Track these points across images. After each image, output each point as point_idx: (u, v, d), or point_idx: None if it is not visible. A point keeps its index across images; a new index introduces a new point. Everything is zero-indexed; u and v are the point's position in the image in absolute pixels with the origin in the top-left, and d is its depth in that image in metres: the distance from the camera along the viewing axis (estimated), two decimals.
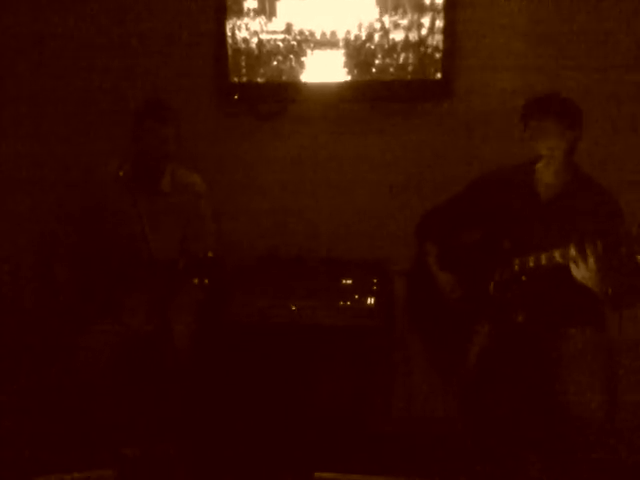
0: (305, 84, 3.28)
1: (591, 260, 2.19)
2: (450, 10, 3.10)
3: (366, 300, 3.00)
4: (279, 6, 3.22)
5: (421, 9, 3.11)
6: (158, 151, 2.76)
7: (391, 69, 3.21)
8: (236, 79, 3.31)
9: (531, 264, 2.40)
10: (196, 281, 2.46)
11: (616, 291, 2.28)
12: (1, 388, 3.06)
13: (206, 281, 2.46)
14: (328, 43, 3.23)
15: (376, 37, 3.18)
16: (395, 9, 3.13)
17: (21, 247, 3.35)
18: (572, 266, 2.26)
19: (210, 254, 2.45)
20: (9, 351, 3.17)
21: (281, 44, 3.26)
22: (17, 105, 3.44)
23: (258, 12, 3.23)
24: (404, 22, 3.14)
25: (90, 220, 2.86)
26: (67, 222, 2.91)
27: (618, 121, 3.06)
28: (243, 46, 3.27)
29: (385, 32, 3.17)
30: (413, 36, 3.15)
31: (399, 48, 3.18)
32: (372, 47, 3.20)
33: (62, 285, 2.79)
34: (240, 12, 3.23)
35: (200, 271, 2.46)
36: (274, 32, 3.25)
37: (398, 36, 3.16)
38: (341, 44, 3.21)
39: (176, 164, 2.88)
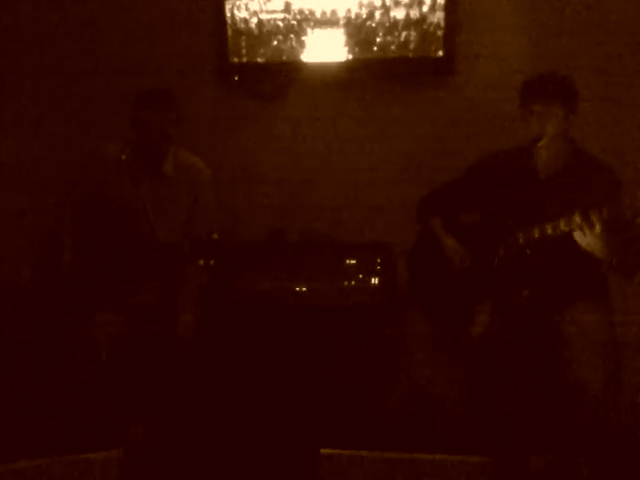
0: (306, 64, 3.25)
1: (597, 226, 2.21)
2: None
3: (370, 280, 3.00)
4: None
5: None
6: (158, 137, 2.74)
7: (392, 47, 3.18)
8: (236, 59, 3.29)
9: (536, 235, 2.40)
10: (202, 262, 2.47)
11: (621, 257, 2.30)
12: (7, 374, 3.08)
13: (212, 262, 2.47)
14: (328, 22, 3.21)
15: (377, 15, 3.16)
16: None
17: (21, 246, 3.38)
18: (577, 234, 2.27)
19: (215, 236, 2.46)
20: (15, 340, 3.19)
21: (281, 24, 3.24)
22: (18, 89, 3.44)
23: None
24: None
25: (93, 205, 2.86)
26: (71, 207, 2.92)
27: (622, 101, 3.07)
28: (243, 26, 3.26)
29: (386, 10, 3.14)
30: (414, 13, 3.13)
31: (400, 26, 3.15)
32: (373, 25, 3.17)
33: (68, 268, 2.80)
34: None
35: (206, 253, 2.47)
36: (274, 11, 3.22)
37: (399, 14, 3.14)
38: (342, 22, 3.19)
39: (178, 147, 2.86)
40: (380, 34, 3.18)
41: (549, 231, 2.36)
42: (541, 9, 3.08)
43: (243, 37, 3.27)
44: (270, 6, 3.22)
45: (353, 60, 3.22)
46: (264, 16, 3.23)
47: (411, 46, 3.17)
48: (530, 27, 3.09)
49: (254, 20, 3.25)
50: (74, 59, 3.38)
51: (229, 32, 3.25)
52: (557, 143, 2.49)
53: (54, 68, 3.40)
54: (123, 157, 2.74)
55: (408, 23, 3.14)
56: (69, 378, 2.75)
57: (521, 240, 2.47)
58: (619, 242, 2.27)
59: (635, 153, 3.04)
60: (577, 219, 2.25)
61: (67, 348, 2.80)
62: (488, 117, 3.13)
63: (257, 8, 3.23)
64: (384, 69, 3.20)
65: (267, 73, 3.29)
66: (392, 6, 3.13)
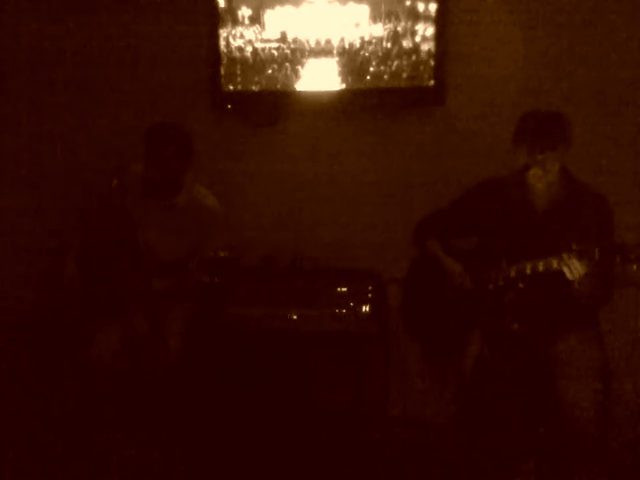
0: (299, 92, 3.29)
1: (587, 268, 2.25)
2: (442, 17, 3.10)
3: (361, 307, 3.01)
4: (273, 15, 3.23)
5: (414, 17, 3.12)
6: (164, 171, 2.79)
7: (385, 77, 3.21)
8: (231, 87, 3.32)
9: (528, 271, 2.42)
10: (207, 279, 2.49)
11: (597, 296, 2.39)
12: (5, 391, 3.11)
13: (216, 279, 2.49)
14: (322, 51, 3.24)
15: (370, 45, 3.19)
16: (388, 17, 3.14)
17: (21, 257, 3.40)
18: (566, 270, 2.30)
19: (222, 254, 2.50)
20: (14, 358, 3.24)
21: (275, 52, 3.27)
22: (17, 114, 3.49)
23: (253, 21, 3.24)
24: (398, 30, 3.14)
25: (104, 220, 2.91)
26: (83, 220, 2.96)
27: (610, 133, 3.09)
28: (238, 55, 3.29)
29: (379, 40, 3.18)
30: (407, 43, 3.16)
31: (393, 55, 3.19)
32: (366, 55, 3.20)
33: (71, 281, 2.83)
34: (234, 21, 3.24)
35: (211, 270, 2.49)
36: (268, 41, 3.26)
37: (391, 44, 3.17)
38: (335, 52, 3.22)
39: (194, 181, 2.92)
40: (373, 63, 3.21)
41: (540, 268, 2.38)
42: (535, 39, 3.10)
43: (238, 65, 3.30)
44: (265, 35, 3.26)
45: (346, 90, 3.25)
46: (259, 45, 3.27)
47: (403, 75, 3.19)
48: (521, 57, 3.11)
49: (249, 49, 3.28)
50: (71, 86, 3.43)
51: (224, 60, 3.29)
52: (553, 177, 2.49)
53: (53, 94, 3.45)
54: (114, 183, 2.79)
55: (400, 53, 3.17)
56: (66, 398, 2.82)
57: (513, 274, 2.48)
58: (601, 281, 2.32)
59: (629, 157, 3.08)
60: (569, 259, 2.28)
61: (65, 368, 2.84)
62: (478, 145, 3.15)
63: (252, 37, 3.26)
64: (376, 98, 3.23)
65: (261, 101, 3.32)
66: (385, 36, 3.17)
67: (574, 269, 2.27)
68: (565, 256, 2.28)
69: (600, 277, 2.30)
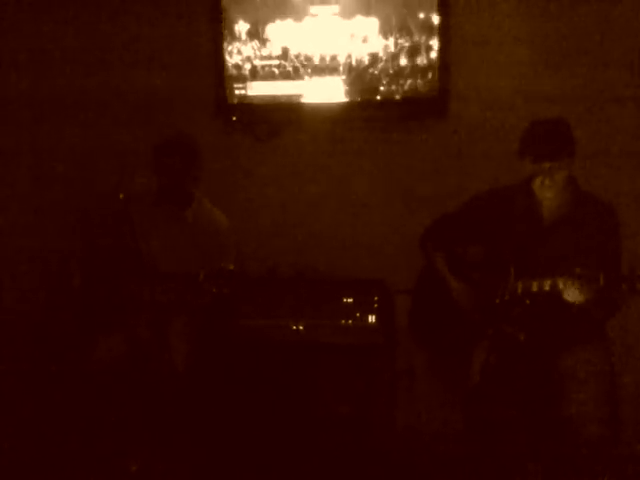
0: (304, 104, 3.25)
1: (592, 291, 2.28)
2: (446, 31, 3.12)
3: (367, 318, 3.02)
4: (274, 29, 3.19)
5: (418, 30, 3.13)
6: (173, 183, 2.82)
7: (389, 88, 3.20)
8: (235, 100, 3.29)
9: (534, 289, 2.42)
10: (215, 290, 2.48)
11: (602, 315, 2.45)
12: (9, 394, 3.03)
13: (225, 290, 2.48)
14: (327, 68, 3.21)
15: (376, 58, 3.18)
16: (400, 31, 3.13)
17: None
18: (570, 293, 2.34)
19: (231, 266, 2.50)
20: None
21: (276, 70, 3.23)
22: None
23: (251, 36, 3.20)
24: (402, 42, 3.14)
25: (108, 230, 2.86)
26: (85, 227, 2.92)
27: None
28: (235, 72, 3.26)
29: (383, 52, 3.17)
30: (410, 55, 3.15)
31: (396, 67, 3.18)
32: (371, 69, 3.19)
33: (76, 292, 2.79)
34: (233, 36, 3.22)
35: (219, 282, 2.49)
36: (269, 57, 3.22)
37: (395, 56, 3.16)
38: (341, 69, 3.20)
39: (202, 196, 2.92)
40: (378, 76, 3.20)
41: (546, 288, 2.39)
42: (538, 54, 3.14)
43: (241, 79, 3.27)
44: (265, 52, 3.22)
45: (350, 102, 3.23)
46: (258, 62, 3.24)
47: (406, 87, 3.19)
48: (526, 72, 3.15)
49: (247, 66, 3.24)
50: (73, 89, 3.40)
51: (228, 73, 3.26)
52: (559, 188, 2.48)
53: (58, 104, 3.43)
54: (121, 196, 2.76)
55: (404, 65, 3.17)
56: (68, 405, 2.77)
57: (520, 290, 2.47)
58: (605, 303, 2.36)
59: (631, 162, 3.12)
60: (573, 283, 2.32)
61: (67, 375, 2.77)
62: (481, 156, 3.18)
63: (251, 54, 3.24)
64: (379, 110, 3.23)
65: (265, 114, 3.30)
66: (390, 51, 3.16)
67: (578, 293, 2.31)
68: (570, 280, 2.31)
69: (605, 300, 2.32)
